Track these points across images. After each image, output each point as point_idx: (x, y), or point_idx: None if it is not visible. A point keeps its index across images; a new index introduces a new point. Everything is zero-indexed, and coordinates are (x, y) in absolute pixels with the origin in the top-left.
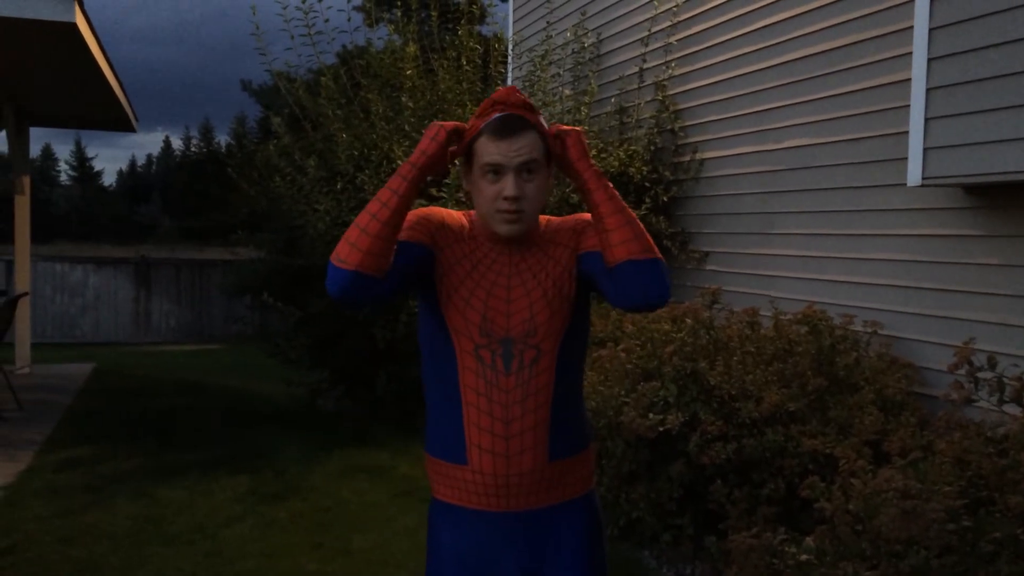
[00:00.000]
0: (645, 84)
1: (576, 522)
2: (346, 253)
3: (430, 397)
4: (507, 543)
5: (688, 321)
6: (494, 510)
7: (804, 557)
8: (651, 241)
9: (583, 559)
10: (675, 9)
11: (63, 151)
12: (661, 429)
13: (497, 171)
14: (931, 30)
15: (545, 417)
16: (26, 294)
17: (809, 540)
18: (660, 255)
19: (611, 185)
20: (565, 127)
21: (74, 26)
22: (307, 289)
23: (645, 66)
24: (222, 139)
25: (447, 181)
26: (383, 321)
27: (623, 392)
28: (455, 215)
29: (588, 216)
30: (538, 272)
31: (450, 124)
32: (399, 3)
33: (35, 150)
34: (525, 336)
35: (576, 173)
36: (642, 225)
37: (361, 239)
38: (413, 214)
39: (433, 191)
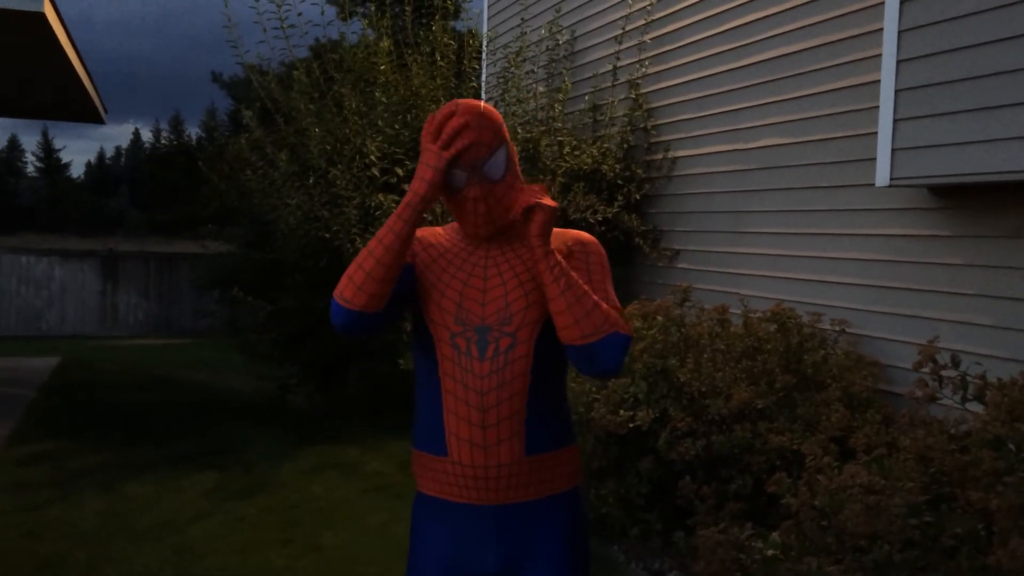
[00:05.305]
0: (619, 82)
1: (558, 518)
2: (351, 293)
3: (417, 392)
4: (488, 537)
5: (659, 318)
6: (474, 503)
7: (770, 552)
8: (601, 316)
9: (563, 556)
10: (649, 8)
11: (29, 142)
12: (631, 425)
13: None
14: (900, 32)
15: (521, 407)
16: None
17: (775, 535)
18: (611, 329)
19: (562, 263)
20: (544, 202)
21: (42, 15)
22: (277, 284)
23: (619, 64)
24: (192, 132)
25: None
26: None
27: (594, 388)
28: (423, 229)
29: (582, 236)
30: (515, 264)
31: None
32: None
33: (1, 141)
34: (500, 324)
35: (531, 247)
36: (593, 299)
37: (366, 283)
38: None
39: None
